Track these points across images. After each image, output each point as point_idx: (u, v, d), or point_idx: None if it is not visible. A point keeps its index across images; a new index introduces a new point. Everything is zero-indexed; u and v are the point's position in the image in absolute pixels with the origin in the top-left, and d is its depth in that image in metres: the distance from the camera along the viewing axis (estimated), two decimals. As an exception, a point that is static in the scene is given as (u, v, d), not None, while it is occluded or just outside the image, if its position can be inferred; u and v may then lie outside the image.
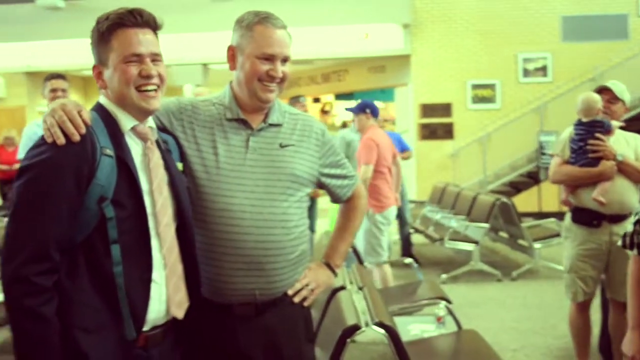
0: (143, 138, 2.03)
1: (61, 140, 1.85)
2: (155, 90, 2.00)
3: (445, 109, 13.19)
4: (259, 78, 2.25)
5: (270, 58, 2.25)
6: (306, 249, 2.38)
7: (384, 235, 5.87)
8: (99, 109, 2.02)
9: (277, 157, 2.29)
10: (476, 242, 7.44)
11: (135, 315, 1.92)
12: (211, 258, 2.22)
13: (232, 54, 2.32)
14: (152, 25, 2.03)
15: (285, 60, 2.29)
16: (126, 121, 2.00)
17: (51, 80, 5.00)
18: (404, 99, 14.30)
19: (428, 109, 13.22)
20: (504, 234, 8.34)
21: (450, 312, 4.21)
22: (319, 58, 14.54)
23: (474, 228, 7.67)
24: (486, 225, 7.40)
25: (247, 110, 2.31)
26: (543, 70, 13.01)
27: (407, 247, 8.45)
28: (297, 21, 12.75)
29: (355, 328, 2.74)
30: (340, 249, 2.53)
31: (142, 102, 1.98)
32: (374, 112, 6.02)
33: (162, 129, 2.25)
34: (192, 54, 13.71)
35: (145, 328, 1.97)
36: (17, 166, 6.74)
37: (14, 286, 1.79)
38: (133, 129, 2.01)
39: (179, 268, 2.04)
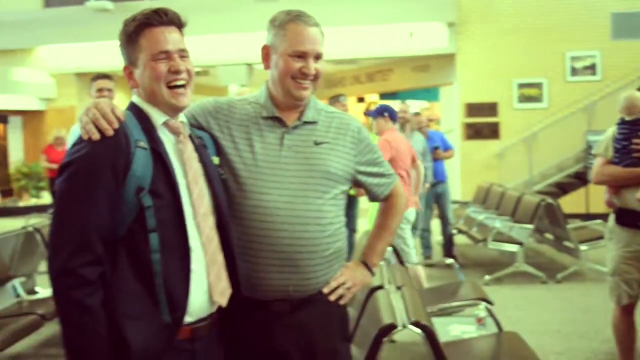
0: (175, 132, 2.10)
1: (96, 135, 1.92)
2: (184, 86, 2.07)
3: (491, 109, 13.05)
4: (292, 76, 2.28)
5: (302, 55, 2.28)
6: (342, 246, 2.39)
7: (406, 235, 5.88)
8: (132, 107, 2.10)
9: (312, 154, 2.31)
10: (520, 244, 7.35)
11: (172, 302, 1.96)
12: (246, 254, 2.25)
13: (267, 53, 2.36)
14: (177, 23, 2.09)
15: (317, 57, 2.30)
16: (158, 116, 2.07)
17: (97, 80, 5.11)
18: (449, 99, 14.21)
19: (473, 109, 13.10)
20: (549, 236, 8.21)
21: (491, 314, 4.16)
22: (364, 57, 14.54)
23: (518, 229, 7.57)
24: (531, 226, 7.30)
25: (282, 108, 2.35)
26: (592, 68, 12.78)
27: (449, 248, 8.40)
28: (341, 21, 12.89)
29: (392, 327, 2.74)
30: (377, 247, 2.53)
31: (172, 99, 2.05)
32: (392, 116, 6.07)
33: (198, 127, 2.32)
34: (236, 54, 13.83)
35: (190, 319, 2.02)
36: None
37: (60, 279, 1.85)
38: (165, 123, 2.08)
39: (219, 257, 2.08)
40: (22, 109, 15.56)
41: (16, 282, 5.60)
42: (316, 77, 2.31)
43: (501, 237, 7.60)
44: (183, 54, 2.07)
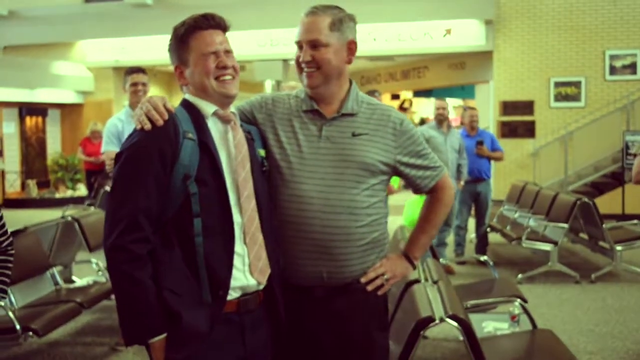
0: (226, 120, 2.26)
1: (147, 125, 2.12)
2: (231, 78, 2.24)
3: (527, 107, 12.95)
4: (298, 66, 2.41)
5: (300, 45, 2.39)
6: (380, 237, 2.42)
7: None
8: (184, 102, 2.29)
9: (349, 145, 2.36)
10: (555, 243, 7.28)
11: (214, 282, 2.11)
12: (285, 240, 2.34)
13: None
14: (222, 26, 2.28)
15: (314, 45, 2.36)
16: (208, 108, 2.24)
17: (132, 74, 5.17)
18: (485, 96, 14.13)
19: (509, 107, 13.01)
20: (584, 235, 8.13)
21: (526, 311, 4.15)
22: (399, 54, 14.50)
23: (552, 228, 7.50)
24: (566, 225, 7.23)
25: (319, 101, 2.42)
26: (632, 67, 12.60)
27: (482, 247, 8.36)
28: (377, 17, 12.87)
29: (429, 320, 2.76)
30: (420, 241, 2.54)
31: (221, 88, 2.23)
32: None
33: (247, 122, 2.44)
34: (272, 50, 13.91)
35: (236, 295, 2.16)
36: (102, 158, 7.04)
37: (113, 254, 2.06)
38: (216, 113, 2.24)
39: (259, 237, 2.22)
40: (61, 102, 15.81)
41: (55, 271, 5.72)
42: (318, 64, 2.36)
43: (535, 236, 7.53)
44: (228, 52, 2.26)
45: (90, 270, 6.50)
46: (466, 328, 2.80)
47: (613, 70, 12.71)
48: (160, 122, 2.12)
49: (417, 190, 2.55)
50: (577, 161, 12.18)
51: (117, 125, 5.25)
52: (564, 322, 5.78)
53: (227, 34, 2.30)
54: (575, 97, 12.85)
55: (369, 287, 2.38)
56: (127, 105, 5.39)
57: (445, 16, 13.06)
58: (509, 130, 13.00)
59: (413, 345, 2.75)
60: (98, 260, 5.90)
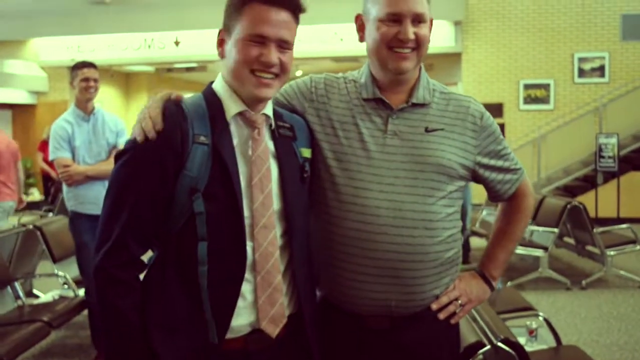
0: (251, 125, 1.79)
1: (140, 138, 1.70)
2: (272, 78, 1.76)
3: (496, 109, 12.79)
4: (388, 44, 1.91)
5: (396, 18, 1.90)
6: (455, 257, 2.00)
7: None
8: (208, 92, 1.82)
9: (421, 143, 1.92)
10: (545, 248, 7.02)
11: (218, 319, 1.71)
12: (339, 259, 1.91)
13: (361, 23, 2.01)
14: (292, 6, 1.76)
15: (418, 19, 1.90)
16: (233, 106, 1.79)
17: (82, 69, 4.65)
18: (453, 99, 13.95)
19: (478, 109, 12.84)
20: (569, 240, 7.90)
21: (550, 325, 3.83)
22: (365, 55, 14.19)
23: (540, 233, 7.25)
24: (556, 230, 6.97)
25: (385, 89, 1.97)
26: (600, 70, 12.57)
27: (465, 253, 8.08)
28: (345, 18, 12.46)
29: (479, 346, 2.40)
30: (499, 257, 2.14)
31: (253, 88, 1.75)
32: None
33: (291, 110, 1.99)
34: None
35: (230, 335, 1.74)
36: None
37: (97, 275, 1.73)
38: (241, 114, 1.78)
39: (276, 279, 1.77)
40: (12, 103, 15.06)
41: (17, 285, 5.19)
42: (419, 44, 1.92)
43: (524, 242, 7.27)
44: (283, 44, 1.76)
45: (52, 283, 5.98)
46: (521, 352, 2.44)
47: (582, 73, 12.67)
48: (153, 135, 1.68)
49: (495, 197, 2.13)
50: (547, 164, 12.06)
51: (65, 128, 4.66)
52: (565, 333, 5.48)
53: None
54: (544, 100, 12.76)
55: (441, 315, 1.98)
56: (74, 104, 4.79)
57: (413, 17, 12.83)
58: (479, 133, 12.83)
59: (462, 374, 2.37)
60: (64, 273, 5.39)
